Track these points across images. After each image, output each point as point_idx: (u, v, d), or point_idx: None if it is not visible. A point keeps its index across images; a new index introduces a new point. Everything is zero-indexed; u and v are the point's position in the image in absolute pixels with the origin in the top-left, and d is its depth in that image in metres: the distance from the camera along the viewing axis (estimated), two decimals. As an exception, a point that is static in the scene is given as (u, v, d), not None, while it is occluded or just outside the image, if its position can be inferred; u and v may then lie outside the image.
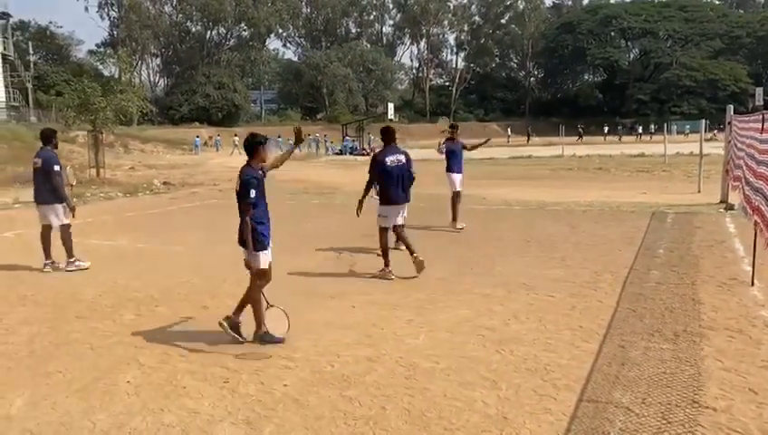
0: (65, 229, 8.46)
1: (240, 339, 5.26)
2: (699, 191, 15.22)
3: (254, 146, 5.24)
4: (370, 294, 6.79)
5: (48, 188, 8.37)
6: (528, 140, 60.58)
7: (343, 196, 17.15)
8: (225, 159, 40.55)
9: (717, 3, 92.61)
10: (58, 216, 8.44)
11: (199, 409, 4.06)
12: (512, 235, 10.22)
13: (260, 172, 5.25)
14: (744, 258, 7.88)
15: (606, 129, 63.73)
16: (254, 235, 5.11)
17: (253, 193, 5.05)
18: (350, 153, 45.51)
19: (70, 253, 8.45)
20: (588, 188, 17.54)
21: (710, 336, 5.15)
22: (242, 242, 5.19)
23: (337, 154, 46.66)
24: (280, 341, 5.20)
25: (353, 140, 49.55)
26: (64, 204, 8.42)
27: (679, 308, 5.95)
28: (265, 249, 5.24)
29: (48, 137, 8.68)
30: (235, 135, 51.42)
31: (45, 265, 8.43)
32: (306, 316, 6.01)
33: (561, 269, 7.74)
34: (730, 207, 12.19)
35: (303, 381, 4.48)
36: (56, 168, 8.36)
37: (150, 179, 22.49)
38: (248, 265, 5.25)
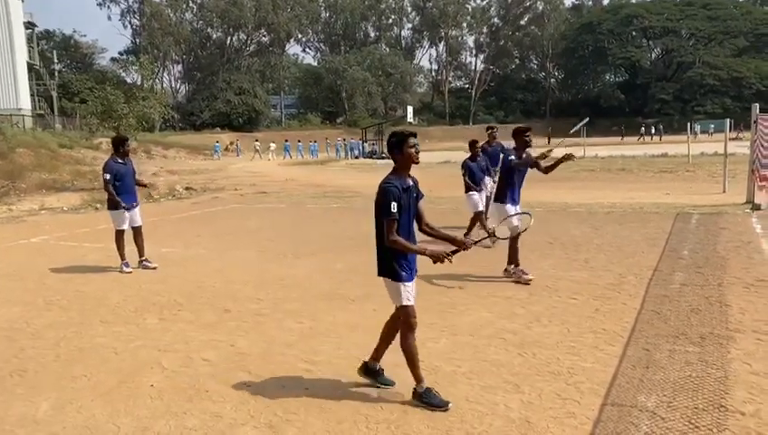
0: (115, 234, 8.74)
1: (381, 386, 4.39)
2: (724, 191, 14.99)
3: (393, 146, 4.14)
4: (391, 297, 6.77)
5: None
6: (549, 141, 60.14)
7: (363, 199, 17.16)
8: (246, 163, 40.87)
9: (741, 0, 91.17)
10: (112, 221, 8.78)
11: (222, 412, 4.08)
12: (534, 237, 10.11)
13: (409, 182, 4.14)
14: (772, 259, 7.74)
15: (643, 129, 62.67)
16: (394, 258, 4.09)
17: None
18: (368, 156, 45.51)
19: (120, 255, 8.72)
20: (611, 189, 17.36)
21: (737, 339, 5.06)
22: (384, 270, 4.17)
23: (356, 158, 46.76)
24: (443, 405, 4.03)
25: (372, 144, 49.58)
26: (114, 210, 8.65)
27: (705, 310, 5.85)
28: (400, 280, 4.10)
29: (114, 144, 8.93)
30: (256, 140, 51.88)
31: (141, 263, 8.81)
32: (328, 319, 6.04)
33: (585, 271, 7.67)
34: (756, 208, 11.99)
35: (325, 384, 4.48)
36: (105, 176, 8.55)
37: (173, 185, 22.72)
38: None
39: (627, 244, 9.26)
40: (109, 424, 3.98)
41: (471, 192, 10.09)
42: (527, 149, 7.46)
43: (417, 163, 4.11)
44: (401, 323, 4.16)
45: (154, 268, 8.69)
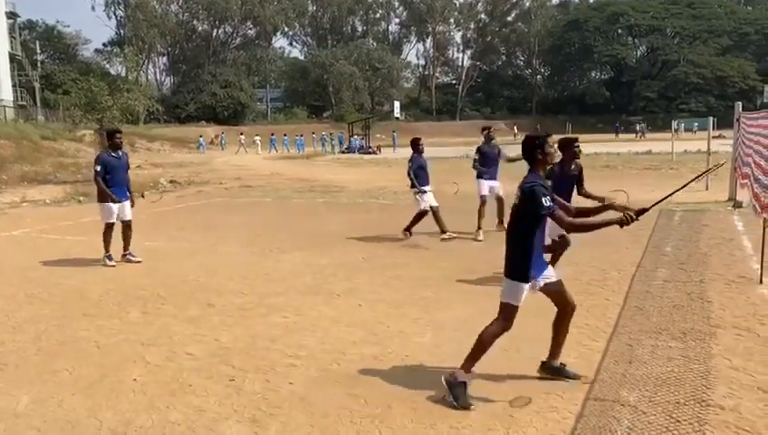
0: (104, 228, 8.61)
1: (574, 376, 4.33)
2: (707, 189, 15.11)
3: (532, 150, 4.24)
4: (377, 292, 6.78)
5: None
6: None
7: (349, 195, 17.15)
8: (230, 157, 40.62)
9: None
10: (101, 214, 8.65)
11: (205, 407, 4.06)
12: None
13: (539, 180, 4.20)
14: (753, 256, 7.83)
15: (638, 126, 62.49)
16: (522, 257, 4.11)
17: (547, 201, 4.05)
18: (357, 151, 45.65)
19: (104, 248, 8.60)
20: (594, 185, 17.40)
21: (718, 334, 5.11)
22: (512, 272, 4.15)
23: (343, 153, 46.80)
24: (466, 407, 3.94)
25: (361, 138, 49.61)
26: (103, 204, 8.54)
27: (687, 306, 5.91)
28: (525, 281, 4.11)
29: (106, 136, 8.84)
30: (241, 133, 51.59)
31: (124, 256, 8.73)
32: (312, 314, 6.02)
33: (568, 267, 7.66)
34: (738, 205, 12.11)
35: (309, 379, 4.47)
36: (97, 168, 8.45)
37: (157, 178, 22.53)
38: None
39: (610, 240, 9.27)
40: (91, 418, 3.95)
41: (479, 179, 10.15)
42: (576, 161, 6.84)
43: (551, 163, 4.67)
44: (500, 318, 4.15)
45: (138, 262, 8.62)
